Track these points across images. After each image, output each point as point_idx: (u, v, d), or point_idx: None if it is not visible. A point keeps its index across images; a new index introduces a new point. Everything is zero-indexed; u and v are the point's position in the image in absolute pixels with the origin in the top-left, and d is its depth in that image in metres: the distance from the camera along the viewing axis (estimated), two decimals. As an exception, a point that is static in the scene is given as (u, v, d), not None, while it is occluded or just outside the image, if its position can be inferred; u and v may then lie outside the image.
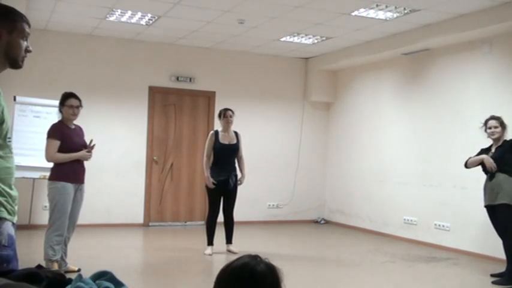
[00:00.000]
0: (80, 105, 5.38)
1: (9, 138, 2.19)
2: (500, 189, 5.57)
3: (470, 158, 5.93)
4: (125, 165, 8.80)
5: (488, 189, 5.70)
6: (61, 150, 5.18)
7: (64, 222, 5.14)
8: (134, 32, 8.35)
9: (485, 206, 5.79)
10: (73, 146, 5.25)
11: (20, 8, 5.80)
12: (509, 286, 5.46)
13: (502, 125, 5.78)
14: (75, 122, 5.43)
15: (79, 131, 5.45)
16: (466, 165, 5.96)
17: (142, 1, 6.71)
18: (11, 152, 2.19)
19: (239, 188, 6.80)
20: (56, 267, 5.10)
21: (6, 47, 2.12)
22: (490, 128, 5.79)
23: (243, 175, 6.83)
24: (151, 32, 8.25)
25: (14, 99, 7.55)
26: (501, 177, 5.59)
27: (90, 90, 8.51)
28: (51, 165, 7.86)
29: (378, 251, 6.94)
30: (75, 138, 5.31)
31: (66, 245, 5.32)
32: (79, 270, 5.28)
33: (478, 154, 5.91)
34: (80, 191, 5.32)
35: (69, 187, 5.15)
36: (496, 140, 5.82)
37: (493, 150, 5.82)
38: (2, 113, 2.11)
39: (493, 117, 5.83)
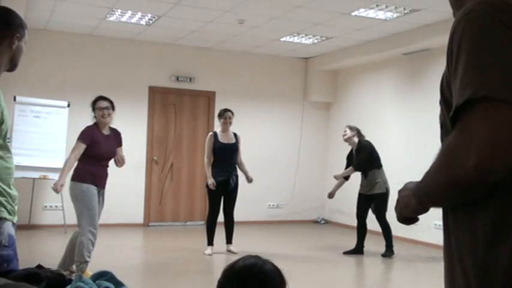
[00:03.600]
0: (111, 107, 5.39)
1: (9, 138, 2.20)
2: (373, 183, 6.84)
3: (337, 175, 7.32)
4: (125, 165, 8.76)
5: (365, 183, 6.95)
6: (88, 154, 5.18)
7: (97, 221, 5.20)
8: (134, 32, 8.35)
9: (359, 194, 7.05)
10: (100, 152, 5.25)
11: (20, 8, 5.82)
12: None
13: (351, 128, 7.08)
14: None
15: (113, 137, 5.45)
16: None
17: (142, 1, 6.71)
18: (10, 153, 2.20)
19: (240, 187, 6.80)
20: (88, 271, 5.03)
21: (15, 52, 2.19)
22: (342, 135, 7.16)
23: (248, 174, 6.83)
24: (151, 32, 8.25)
25: (14, 99, 7.55)
26: (371, 173, 6.87)
27: (90, 90, 8.50)
28: (51, 165, 7.91)
29: (377, 251, 6.94)
30: (104, 146, 5.28)
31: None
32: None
33: (347, 162, 7.26)
34: (102, 196, 5.37)
35: (94, 189, 5.18)
36: (349, 143, 7.14)
37: (354, 154, 7.07)
38: (2, 113, 2.12)
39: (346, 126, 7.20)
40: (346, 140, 7.15)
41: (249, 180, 6.83)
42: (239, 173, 6.82)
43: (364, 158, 6.89)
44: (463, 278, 1.10)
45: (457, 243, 1.13)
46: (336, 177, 7.32)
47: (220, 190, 6.62)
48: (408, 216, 1.31)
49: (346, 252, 7.02)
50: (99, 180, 5.30)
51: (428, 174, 1.15)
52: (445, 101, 1.18)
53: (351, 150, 7.22)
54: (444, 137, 1.21)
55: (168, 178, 9.16)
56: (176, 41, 8.90)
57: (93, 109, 5.35)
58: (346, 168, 7.24)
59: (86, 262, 5.10)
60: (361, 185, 7.07)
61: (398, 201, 1.31)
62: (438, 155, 1.11)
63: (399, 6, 6.53)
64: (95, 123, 5.36)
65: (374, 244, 7.04)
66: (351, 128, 7.07)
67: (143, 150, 8.96)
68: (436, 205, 1.20)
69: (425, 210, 1.22)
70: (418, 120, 8.15)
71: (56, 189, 5.13)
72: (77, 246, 5.12)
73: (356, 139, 7.06)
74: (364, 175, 6.98)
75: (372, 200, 6.94)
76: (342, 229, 9.32)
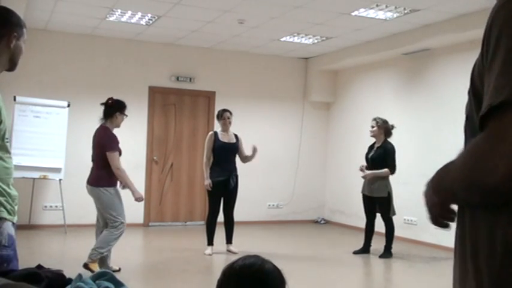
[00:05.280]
0: None
1: (7, 138, 2.19)
2: (376, 185, 6.77)
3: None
4: (125, 165, 8.69)
5: (367, 184, 6.88)
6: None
7: (125, 221, 5.35)
8: (134, 32, 8.35)
9: (363, 194, 6.99)
10: (120, 152, 5.43)
11: (20, 8, 5.82)
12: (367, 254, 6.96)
13: (379, 125, 6.89)
14: None
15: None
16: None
17: (142, 1, 6.71)
18: (9, 153, 2.20)
19: (240, 187, 6.79)
20: (97, 264, 5.26)
21: (14, 51, 2.18)
22: (370, 127, 7.00)
23: (251, 152, 6.74)
24: (151, 32, 8.25)
25: (14, 99, 7.55)
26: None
27: (90, 90, 8.51)
28: (51, 165, 7.90)
29: (377, 251, 6.94)
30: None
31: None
32: (119, 269, 5.50)
33: (367, 151, 7.10)
34: None
35: (117, 189, 5.37)
36: (375, 139, 6.99)
37: (374, 147, 7.00)
38: (0, 113, 2.12)
39: (373, 119, 7.01)
40: (373, 136, 7.04)
41: (254, 150, 6.69)
42: (239, 173, 6.82)
43: (392, 159, 6.83)
44: (475, 281, 1.06)
45: (473, 245, 1.08)
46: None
47: (220, 190, 6.62)
48: (440, 216, 1.20)
49: (356, 252, 7.01)
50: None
51: (451, 170, 1.08)
52: (474, 92, 1.12)
53: (374, 143, 7.10)
54: (469, 128, 1.15)
55: (168, 178, 9.16)
56: (176, 41, 8.90)
57: (119, 112, 5.39)
58: (366, 155, 7.10)
59: (102, 254, 5.30)
60: (364, 185, 7.00)
61: (425, 201, 1.24)
62: (465, 153, 1.04)
63: (399, 6, 6.53)
64: (108, 128, 5.39)
65: (375, 244, 7.04)
66: (379, 127, 6.91)
67: (143, 150, 8.96)
68: (457, 203, 1.15)
69: (451, 203, 1.15)
70: (417, 120, 8.15)
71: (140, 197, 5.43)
72: (102, 237, 5.32)
73: (383, 136, 6.95)
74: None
75: (375, 201, 6.91)
76: (342, 229, 9.32)
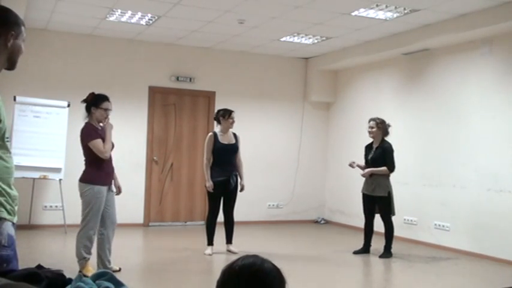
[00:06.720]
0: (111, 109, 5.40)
1: (7, 138, 2.19)
2: (377, 184, 6.79)
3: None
4: (125, 165, 8.76)
5: (369, 183, 6.89)
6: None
7: (97, 223, 5.20)
8: (134, 32, 8.35)
9: (363, 193, 6.99)
10: (112, 145, 5.32)
11: (20, 7, 5.82)
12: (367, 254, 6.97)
13: (378, 126, 6.87)
14: None
15: (103, 129, 5.45)
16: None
17: (142, 1, 6.71)
18: (10, 152, 2.20)
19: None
20: (89, 267, 5.16)
21: (12, 50, 2.17)
22: (369, 127, 6.93)
23: (242, 179, 6.79)
24: (151, 32, 8.25)
25: (14, 99, 7.55)
26: (378, 174, 6.81)
27: (90, 90, 8.47)
28: (51, 165, 7.90)
29: (377, 251, 6.94)
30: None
31: (110, 246, 5.36)
32: (120, 269, 5.44)
33: (365, 152, 7.08)
34: (111, 191, 5.35)
35: (104, 190, 5.19)
36: (374, 139, 6.96)
37: (373, 148, 6.97)
38: (-1, 112, 2.11)
39: (372, 119, 6.96)
40: (372, 137, 6.98)
41: (241, 187, 6.76)
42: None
43: (390, 158, 6.82)
44: None
45: None
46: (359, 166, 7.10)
47: (220, 190, 6.61)
48: None
49: (356, 252, 6.99)
50: (111, 177, 5.36)
51: None
52: None
53: (372, 143, 7.05)
54: None
55: (168, 178, 9.16)
56: (176, 41, 8.90)
57: (94, 106, 5.28)
58: (365, 156, 7.06)
59: (85, 258, 5.17)
60: (365, 184, 7.00)
61: None
62: None
63: (399, 6, 6.53)
64: (88, 123, 5.29)
65: (375, 244, 7.04)
66: (378, 127, 6.87)
67: (143, 150, 8.96)
68: None
69: None
70: (417, 120, 8.15)
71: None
72: (76, 245, 5.22)
73: (381, 136, 6.91)
74: (370, 175, 6.89)
75: (375, 201, 6.90)
76: (342, 229, 9.32)
